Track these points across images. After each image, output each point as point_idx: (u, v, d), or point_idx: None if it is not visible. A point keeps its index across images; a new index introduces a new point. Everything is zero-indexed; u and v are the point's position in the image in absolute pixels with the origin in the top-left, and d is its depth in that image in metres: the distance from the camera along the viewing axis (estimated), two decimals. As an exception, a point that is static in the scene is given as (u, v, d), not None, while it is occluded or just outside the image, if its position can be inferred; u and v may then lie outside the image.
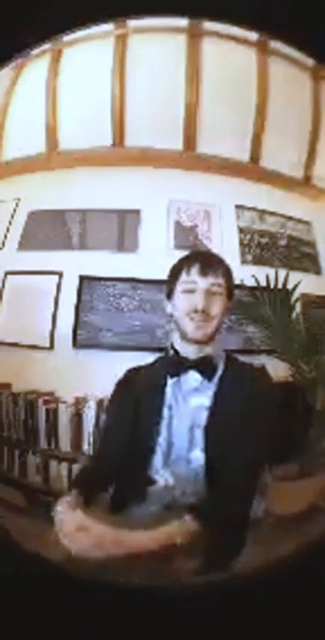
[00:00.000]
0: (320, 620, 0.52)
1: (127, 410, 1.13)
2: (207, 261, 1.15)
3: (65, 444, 2.31)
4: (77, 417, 2.28)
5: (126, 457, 1.08)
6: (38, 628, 0.55)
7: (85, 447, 2.27)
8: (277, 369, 2.12)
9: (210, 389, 1.10)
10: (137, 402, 1.13)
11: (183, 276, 1.14)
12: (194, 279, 1.12)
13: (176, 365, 1.13)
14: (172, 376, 1.13)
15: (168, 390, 1.12)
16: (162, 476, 1.06)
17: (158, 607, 0.56)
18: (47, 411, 2.34)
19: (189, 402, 1.10)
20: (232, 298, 1.18)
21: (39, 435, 2.35)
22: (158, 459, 1.07)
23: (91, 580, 0.68)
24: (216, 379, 1.12)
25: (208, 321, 1.10)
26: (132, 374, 1.22)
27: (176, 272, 1.17)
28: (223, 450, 1.02)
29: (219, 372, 1.13)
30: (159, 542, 0.86)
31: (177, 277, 1.16)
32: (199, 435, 1.07)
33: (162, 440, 1.08)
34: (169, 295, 1.19)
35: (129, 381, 1.20)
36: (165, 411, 1.10)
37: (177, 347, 1.15)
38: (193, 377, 1.12)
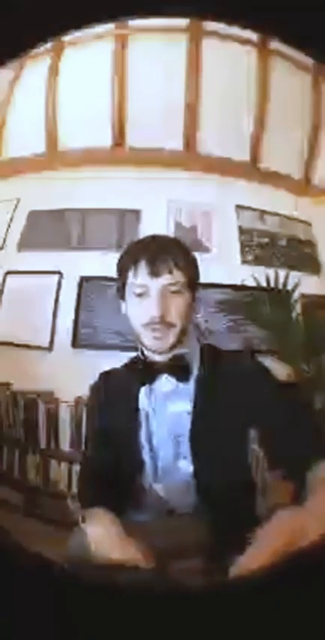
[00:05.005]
0: (321, 621, 0.52)
1: (104, 419, 1.02)
2: (156, 255, 0.93)
3: (65, 444, 2.31)
4: (77, 417, 2.29)
5: (114, 467, 0.98)
6: (38, 628, 0.55)
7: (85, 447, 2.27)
8: (277, 369, 2.11)
9: (189, 392, 0.96)
10: (113, 408, 1.02)
11: (130, 278, 0.94)
12: (143, 281, 0.92)
13: (145, 371, 0.99)
14: (144, 383, 0.99)
15: (142, 397, 0.99)
16: (153, 488, 0.97)
17: (158, 607, 0.56)
18: (47, 410, 2.34)
19: (167, 408, 0.97)
20: (196, 289, 0.98)
21: (39, 435, 2.35)
22: (147, 470, 0.97)
23: (92, 580, 0.68)
24: (192, 380, 0.97)
25: (168, 329, 0.92)
26: (105, 378, 1.08)
27: (122, 271, 0.97)
28: (213, 458, 0.92)
29: (196, 372, 0.97)
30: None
31: (124, 277, 0.96)
32: (184, 443, 0.95)
33: (145, 451, 0.97)
34: (120, 294, 1.00)
35: (103, 385, 1.07)
36: (143, 421, 0.98)
37: (144, 351, 1.00)
38: (166, 381, 0.97)
